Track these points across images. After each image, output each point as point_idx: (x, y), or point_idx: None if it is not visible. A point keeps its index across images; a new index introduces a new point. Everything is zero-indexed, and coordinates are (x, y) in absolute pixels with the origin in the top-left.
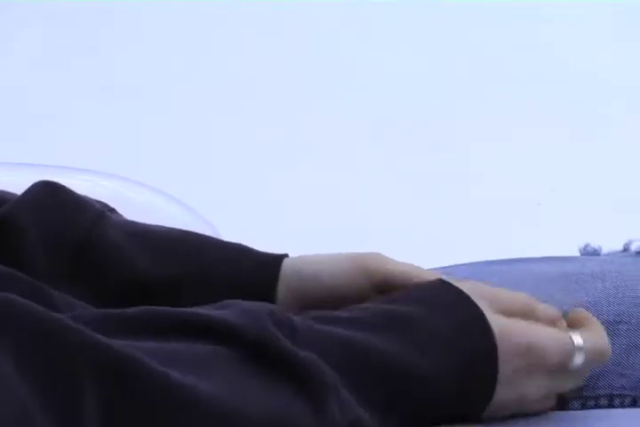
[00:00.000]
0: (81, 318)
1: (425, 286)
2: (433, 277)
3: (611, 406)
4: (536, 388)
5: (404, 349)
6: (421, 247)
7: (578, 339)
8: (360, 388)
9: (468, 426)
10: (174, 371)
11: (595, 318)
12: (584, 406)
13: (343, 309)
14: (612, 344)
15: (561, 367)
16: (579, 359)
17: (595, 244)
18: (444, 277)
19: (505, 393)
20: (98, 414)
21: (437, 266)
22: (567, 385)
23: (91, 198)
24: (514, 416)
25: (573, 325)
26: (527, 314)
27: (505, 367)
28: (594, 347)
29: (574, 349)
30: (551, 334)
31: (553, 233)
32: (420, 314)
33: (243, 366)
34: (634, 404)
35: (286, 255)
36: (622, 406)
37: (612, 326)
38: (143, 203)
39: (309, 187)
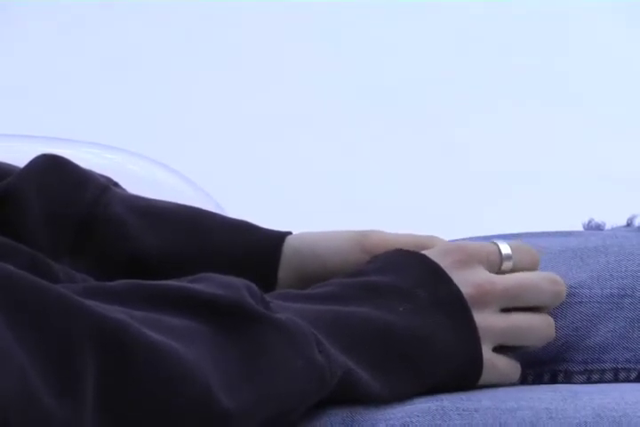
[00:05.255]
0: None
1: (383, 256)
2: (433, 242)
3: (616, 379)
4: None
5: (380, 311)
6: (420, 222)
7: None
8: (351, 349)
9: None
10: (161, 336)
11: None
12: (589, 380)
13: (312, 286)
14: (617, 318)
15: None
16: (506, 249)
17: (598, 219)
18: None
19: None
20: (94, 378)
21: None
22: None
23: (95, 172)
24: (520, 388)
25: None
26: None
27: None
28: (519, 246)
29: (499, 247)
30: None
31: (556, 208)
32: (383, 280)
33: (223, 338)
34: (639, 378)
35: (289, 233)
36: (627, 379)
37: (616, 300)
38: (145, 176)
39: (311, 161)
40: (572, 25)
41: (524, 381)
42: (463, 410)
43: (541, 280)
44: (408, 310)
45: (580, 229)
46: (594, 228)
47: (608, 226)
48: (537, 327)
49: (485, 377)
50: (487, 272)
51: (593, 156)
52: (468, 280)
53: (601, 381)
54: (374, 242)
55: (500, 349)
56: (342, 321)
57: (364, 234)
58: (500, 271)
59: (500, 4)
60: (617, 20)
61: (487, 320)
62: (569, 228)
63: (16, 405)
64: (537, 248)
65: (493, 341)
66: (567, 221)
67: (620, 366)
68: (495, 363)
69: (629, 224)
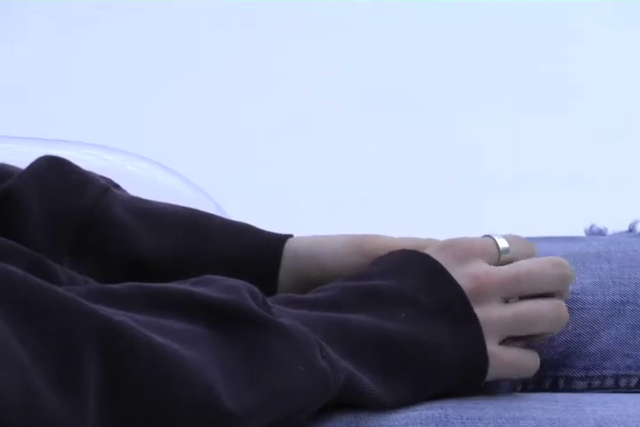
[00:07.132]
0: (71, 292)
1: (386, 258)
2: (432, 245)
3: (617, 386)
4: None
5: (380, 318)
6: (421, 224)
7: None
8: (351, 356)
9: (470, 399)
10: (164, 339)
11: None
12: (590, 386)
13: (312, 290)
14: (618, 325)
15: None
16: (503, 243)
17: (600, 224)
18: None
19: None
20: (96, 378)
21: None
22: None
23: (95, 173)
24: (523, 396)
25: None
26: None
27: None
28: (514, 238)
29: (495, 240)
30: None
31: (557, 212)
32: (386, 285)
33: (225, 341)
34: None
35: (290, 236)
36: (628, 386)
37: (617, 307)
38: (145, 177)
39: (311, 162)
40: (572, 24)
41: (524, 387)
42: (467, 418)
43: (541, 265)
44: (410, 315)
45: (582, 234)
46: (596, 233)
47: (610, 231)
48: (544, 313)
49: (492, 372)
50: (485, 265)
51: (594, 159)
52: (466, 273)
53: (602, 387)
54: (373, 246)
55: (513, 340)
56: (341, 328)
57: (362, 238)
58: (499, 264)
59: (500, 3)
60: (617, 20)
61: (490, 313)
62: (571, 233)
63: (18, 405)
64: (537, 254)
65: (499, 333)
66: (569, 225)
67: (620, 372)
68: (501, 356)
69: (631, 230)
